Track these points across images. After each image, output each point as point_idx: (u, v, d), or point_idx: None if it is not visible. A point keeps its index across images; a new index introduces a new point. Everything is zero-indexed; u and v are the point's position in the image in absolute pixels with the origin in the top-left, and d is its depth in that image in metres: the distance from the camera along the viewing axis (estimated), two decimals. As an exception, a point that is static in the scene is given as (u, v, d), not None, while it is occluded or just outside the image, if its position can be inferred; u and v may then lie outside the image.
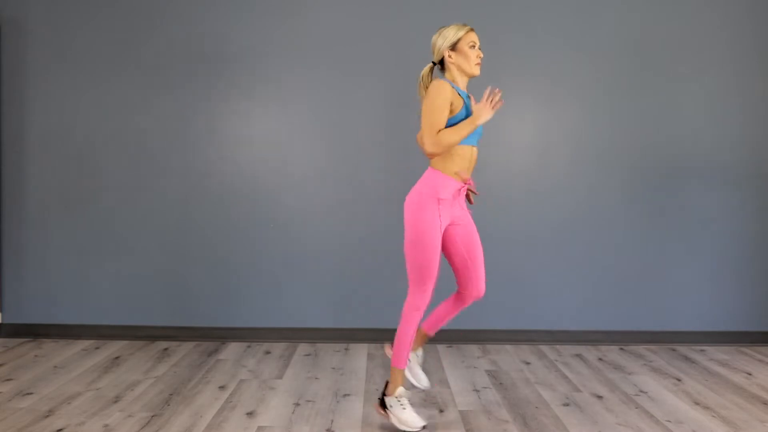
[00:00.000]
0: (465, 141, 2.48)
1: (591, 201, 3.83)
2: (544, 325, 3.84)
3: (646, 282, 3.84)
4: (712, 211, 3.83)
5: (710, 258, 3.84)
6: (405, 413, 2.49)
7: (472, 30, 2.51)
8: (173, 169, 3.84)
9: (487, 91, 2.48)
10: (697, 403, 2.84)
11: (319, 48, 3.81)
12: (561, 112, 3.83)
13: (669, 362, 3.48)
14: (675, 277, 3.84)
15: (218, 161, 3.83)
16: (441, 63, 2.56)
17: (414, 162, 3.73)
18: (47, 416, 2.61)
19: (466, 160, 2.51)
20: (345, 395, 2.91)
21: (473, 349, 3.71)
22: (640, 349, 3.75)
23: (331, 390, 2.98)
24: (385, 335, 3.81)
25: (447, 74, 2.56)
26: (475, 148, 2.54)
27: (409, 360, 2.68)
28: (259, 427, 2.53)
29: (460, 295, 2.66)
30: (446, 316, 2.68)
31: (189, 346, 3.73)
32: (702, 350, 3.73)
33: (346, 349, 3.70)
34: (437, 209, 2.46)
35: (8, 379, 3.08)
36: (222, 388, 3.00)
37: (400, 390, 2.53)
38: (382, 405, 2.55)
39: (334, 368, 3.33)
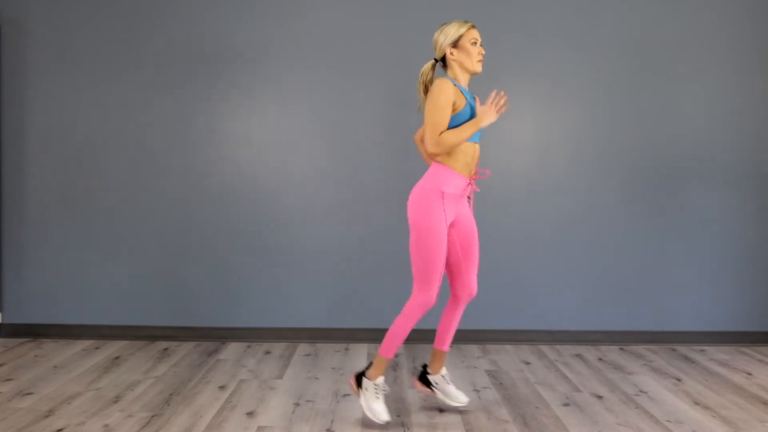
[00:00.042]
0: (468, 138, 2.48)
1: (591, 201, 3.83)
2: (544, 325, 3.84)
3: (646, 282, 3.84)
4: (712, 211, 3.83)
5: (710, 258, 3.84)
6: (377, 403, 2.53)
7: (473, 27, 2.51)
8: (173, 169, 3.84)
9: (493, 94, 2.48)
10: (697, 403, 2.84)
11: (319, 48, 3.81)
12: (561, 112, 3.83)
13: (669, 362, 3.48)
14: (675, 277, 3.84)
15: (218, 161, 3.83)
16: (443, 60, 2.56)
17: (414, 162, 3.73)
18: (47, 416, 2.61)
19: (468, 156, 2.51)
20: (345, 395, 2.91)
21: (473, 349, 3.71)
22: (640, 349, 3.75)
23: (331, 390, 2.98)
24: (384, 335, 3.81)
25: (449, 72, 2.56)
26: (477, 145, 2.54)
27: (436, 384, 2.68)
28: (259, 427, 2.53)
29: (453, 298, 2.67)
30: (450, 325, 2.68)
31: (189, 346, 3.73)
32: (702, 350, 3.73)
33: (346, 349, 3.70)
34: (441, 203, 2.46)
35: (8, 379, 3.08)
36: (222, 388, 3.00)
37: (381, 379, 2.56)
38: (358, 382, 2.59)
39: (334, 368, 3.33)
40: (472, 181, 2.56)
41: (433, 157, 2.50)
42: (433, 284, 2.47)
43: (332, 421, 2.61)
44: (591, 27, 3.81)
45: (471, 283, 2.64)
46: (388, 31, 3.80)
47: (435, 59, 2.58)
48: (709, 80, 3.83)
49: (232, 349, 3.68)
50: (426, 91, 2.61)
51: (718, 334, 3.84)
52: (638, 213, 3.83)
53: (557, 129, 3.83)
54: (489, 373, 3.26)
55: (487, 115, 2.45)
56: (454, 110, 2.45)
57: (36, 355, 3.50)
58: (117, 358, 3.48)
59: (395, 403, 2.82)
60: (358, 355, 3.58)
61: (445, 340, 2.69)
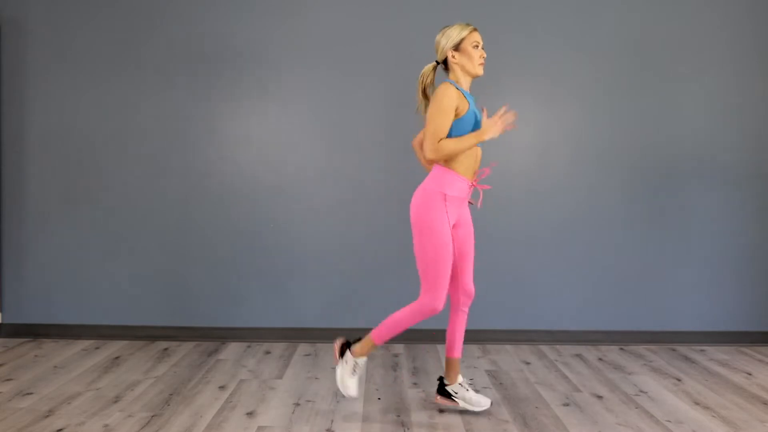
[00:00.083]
0: None
1: (591, 201, 3.83)
2: (544, 325, 3.84)
3: (646, 282, 3.84)
4: (712, 211, 3.83)
5: (710, 258, 3.84)
6: (351, 379, 2.59)
7: (475, 30, 2.51)
8: (173, 169, 3.84)
9: (503, 110, 2.48)
10: (697, 403, 2.84)
11: (319, 48, 3.81)
12: (561, 112, 3.83)
13: (669, 362, 3.48)
14: (675, 277, 3.84)
15: (218, 161, 3.83)
16: (444, 63, 2.56)
17: (414, 162, 3.73)
18: (47, 416, 2.61)
19: (471, 159, 2.51)
20: (345, 395, 2.91)
21: (473, 349, 3.71)
22: (640, 349, 3.75)
23: (331, 390, 2.98)
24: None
25: (451, 75, 2.55)
26: (479, 149, 2.54)
27: (456, 393, 2.67)
28: (259, 427, 2.53)
29: (453, 303, 2.67)
30: (456, 332, 2.67)
31: (189, 346, 3.73)
32: (702, 350, 3.73)
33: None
34: (444, 205, 2.46)
35: (8, 379, 3.08)
36: (222, 388, 3.00)
37: (363, 360, 2.60)
38: (342, 351, 2.62)
39: (334, 368, 3.33)
40: (474, 183, 2.56)
41: (430, 162, 2.49)
42: (439, 288, 2.45)
43: (332, 421, 2.61)
44: (591, 27, 3.81)
45: (467, 284, 2.65)
46: (388, 31, 3.80)
47: (436, 61, 2.58)
48: (709, 80, 3.83)
49: (232, 349, 3.68)
50: (425, 93, 2.61)
51: (718, 334, 3.84)
52: (638, 213, 3.83)
53: (557, 129, 3.83)
54: (489, 373, 3.27)
55: (491, 129, 2.44)
56: (456, 115, 2.44)
57: (36, 355, 3.50)
58: (117, 358, 3.48)
59: (395, 403, 2.82)
60: (358, 355, 3.58)
61: (454, 348, 2.67)
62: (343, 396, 2.55)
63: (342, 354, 2.63)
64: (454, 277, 2.63)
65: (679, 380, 3.17)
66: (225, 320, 3.85)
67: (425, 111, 2.62)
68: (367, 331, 3.81)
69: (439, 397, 2.70)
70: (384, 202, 3.80)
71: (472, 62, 2.50)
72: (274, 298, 3.84)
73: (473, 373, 3.25)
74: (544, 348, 3.75)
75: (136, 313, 3.85)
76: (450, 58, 2.52)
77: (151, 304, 3.85)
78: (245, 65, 3.81)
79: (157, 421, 2.59)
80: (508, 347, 3.76)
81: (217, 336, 3.84)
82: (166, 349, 3.67)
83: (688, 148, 3.83)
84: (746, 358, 3.58)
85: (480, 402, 2.65)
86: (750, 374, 3.28)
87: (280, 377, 3.17)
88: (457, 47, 2.50)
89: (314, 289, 3.84)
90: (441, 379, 2.72)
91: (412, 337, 3.81)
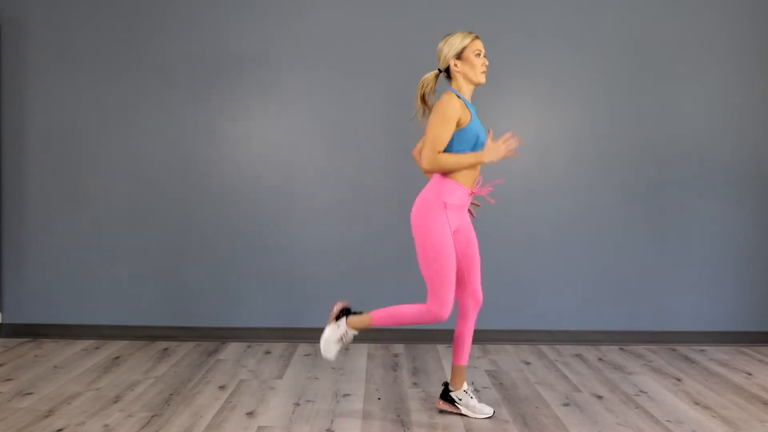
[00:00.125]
0: (470, 151, 2.47)
1: (591, 201, 3.83)
2: (544, 325, 3.84)
3: (646, 282, 3.84)
4: (712, 211, 3.83)
5: (710, 258, 3.84)
6: (335, 345, 2.59)
7: (477, 38, 2.51)
8: (173, 169, 3.84)
9: (508, 135, 2.47)
10: (697, 403, 2.84)
11: (319, 48, 3.81)
12: (561, 112, 3.83)
13: (669, 362, 3.48)
14: (675, 277, 3.84)
15: (218, 161, 3.83)
16: (447, 71, 2.56)
17: (414, 162, 3.73)
18: (47, 416, 2.61)
19: (471, 167, 2.50)
20: (345, 395, 2.91)
21: (473, 349, 3.71)
22: (640, 349, 3.75)
23: (331, 390, 2.98)
24: (385, 335, 3.81)
25: (453, 83, 2.54)
26: None
27: (459, 399, 2.66)
28: (259, 427, 2.53)
29: (461, 310, 2.65)
30: (463, 339, 2.66)
31: (189, 346, 3.73)
32: (702, 350, 3.73)
33: (346, 349, 3.70)
34: (444, 213, 2.45)
35: (8, 379, 3.08)
36: (222, 388, 3.00)
37: (353, 333, 2.59)
38: (338, 316, 2.62)
39: (334, 368, 3.33)
40: (475, 191, 2.56)
41: (425, 173, 2.48)
42: (444, 295, 2.43)
43: (332, 421, 2.61)
44: (591, 27, 3.81)
45: (476, 290, 2.63)
46: (388, 31, 3.80)
47: (439, 69, 2.57)
48: (709, 80, 3.83)
49: (232, 349, 3.68)
50: (423, 99, 2.60)
51: (718, 334, 3.84)
52: (638, 213, 3.83)
53: (557, 129, 3.83)
54: (489, 373, 3.26)
55: (492, 153, 2.43)
56: (459, 125, 2.44)
57: (36, 355, 3.50)
58: (117, 358, 3.48)
59: (395, 403, 2.82)
60: (358, 355, 3.58)
61: (461, 355, 2.66)
62: (323, 355, 2.58)
63: (338, 318, 2.62)
64: (462, 283, 2.62)
65: (679, 380, 3.17)
66: (225, 320, 3.85)
67: (422, 116, 2.62)
68: (367, 331, 3.81)
69: (441, 401, 2.70)
70: (384, 202, 3.80)
71: (474, 70, 2.50)
72: (274, 298, 3.84)
73: (473, 372, 3.25)
74: (544, 348, 3.75)
75: (136, 313, 3.85)
76: (452, 67, 2.51)
77: (151, 304, 3.85)
78: (245, 65, 3.81)
79: (157, 421, 2.59)
80: (508, 347, 3.76)
81: (217, 336, 3.84)
82: (166, 349, 3.67)
83: (688, 148, 3.83)
84: (746, 358, 3.58)
85: (483, 410, 2.64)
86: (750, 374, 3.28)
87: (280, 377, 3.17)
88: (459, 55, 2.49)
89: (314, 289, 3.84)
90: (446, 384, 2.72)
91: (412, 337, 3.81)
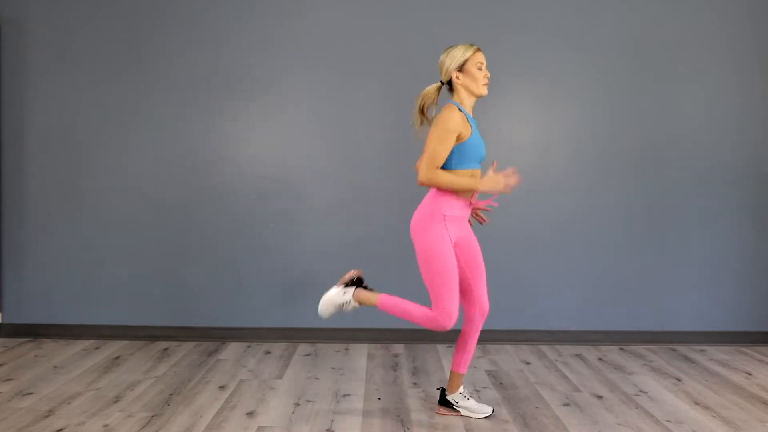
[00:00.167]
0: (469, 165, 2.48)
1: (591, 201, 3.83)
2: (544, 325, 3.84)
3: (646, 282, 3.84)
4: (712, 211, 3.83)
5: (710, 258, 3.84)
6: (334, 309, 2.62)
7: (479, 50, 2.50)
8: (173, 169, 3.84)
9: (511, 170, 2.45)
10: (697, 403, 2.84)
11: (319, 48, 3.81)
12: (561, 112, 3.83)
13: (669, 362, 3.48)
14: (675, 277, 3.84)
15: (218, 161, 3.83)
16: (449, 83, 2.55)
17: (414, 162, 3.73)
18: (47, 416, 2.61)
19: (466, 191, 2.50)
20: (345, 395, 2.91)
21: (473, 349, 3.71)
22: (640, 349, 3.75)
23: (331, 390, 2.98)
24: (385, 335, 3.81)
25: (455, 96, 2.54)
26: (479, 171, 2.53)
27: (456, 402, 2.66)
28: (259, 427, 2.53)
29: (467, 319, 2.64)
30: (466, 347, 2.65)
31: (189, 346, 3.73)
32: (702, 350, 3.73)
33: (346, 349, 3.70)
34: (444, 225, 2.45)
35: (8, 379, 3.09)
36: (222, 388, 3.00)
37: (355, 305, 2.61)
38: (348, 284, 2.64)
39: (334, 368, 3.33)
40: (473, 203, 2.56)
41: (421, 183, 2.46)
42: (448, 307, 2.42)
43: (332, 421, 2.61)
44: (591, 27, 3.81)
45: (482, 301, 2.62)
46: (388, 31, 3.80)
47: (441, 82, 2.57)
48: (709, 80, 3.83)
49: (232, 349, 3.68)
50: (422, 110, 2.59)
51: (718, 334, 3.84)
52: (638, 213, 3.83)
53: (557, 129, 3.83)
54: (489, 373, 3.26)
55: (490, 184, 2.42)
56: (459, 139, 2.43)
57: (36, 355, 3.50)
58: (117, 358, 3.48)
59: (395, 403, 2.82)
60: (358, 355, 3.58)
61: (460, 363, 2.66)
62: (319, 311, 2.61)
63: (347, 285, 2.63)
64: (468, 293, 2.61)
65: (679, 380, 3.17)
66: (225, 320, 3.85)
67: (419, 126, 2.62)
68: (367, 331, 3.82)
69: (441, 407, 2.69)
70: (384, 202, 3.80)
71: (476, 83, 2.49)
72: (274, 298, 3.84)
73: (473, 372, 3.25)
74: (544, 348, 3.75)
75: (136, 313, 3.85)
76: (454, 79, 2.51)
77: (151, 304, 3.85)
78: (245, 65, 3.81)
79: (157, 421, 2.59)
80: (508, 347, 3.76)
81: (217, 336, 3.84)
82: (166, 349, 3.67)
83: (688, 148, 3.83)
84: (746, 358, 3.58)
85: (482, 409, 2.65)
86: (750, 374, 3.28)
87: (280, 377, 3.17)
88: (461, 68, 2.49)
89: (314, 289, 3.83)
90: (442, 390, 2.72)
91: (412, 337, 3.81)
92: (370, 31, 3.80)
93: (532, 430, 2.52)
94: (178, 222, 3.84)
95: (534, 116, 3.82)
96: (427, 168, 2.41)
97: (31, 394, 2.88)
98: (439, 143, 2.40)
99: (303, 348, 3.71)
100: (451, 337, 3.81)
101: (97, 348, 3.66)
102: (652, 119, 3.82)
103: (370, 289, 2.62)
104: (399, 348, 3.73)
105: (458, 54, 2.49)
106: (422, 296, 2.60)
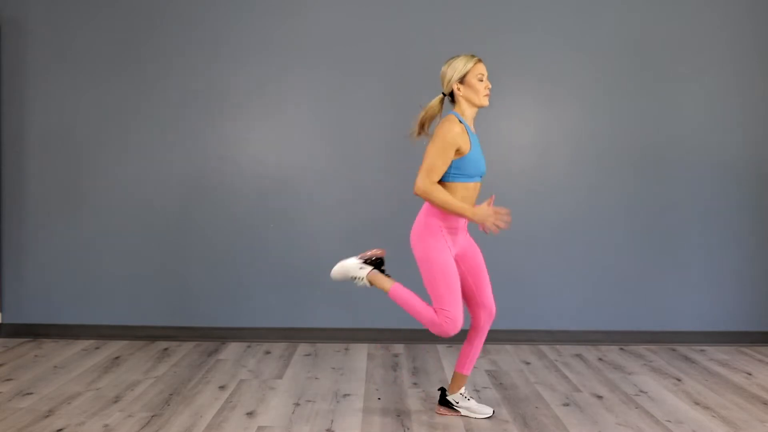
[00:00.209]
0: (470, 178, 2.48)
1: (591, 201, 3.83)
2: (544, 325, 3.84)
3: (646, 282, 3.84)
4: (712, 211, 3.83)
5: (710, 258, 3.84)
6: (345, 277, 2.64)
7: (480, 61, 2.51)
8: (173, 169, 3.84)
9: (504, 210, 2.44)
10: (697, 403, 2.84)
11: (319, 48, 3.81)
12: (561, 112, 3.83)
13: (669, 362, 3.48)
14: (675, 277, 3.84)
15: (218, 161, 3.83)
16: (450, 94, 2.55)
17: (414, 162, 3.72)
18: (47, 416, 2.61)
19: (469, 190, 2.50)
20: (345, 395, 2.91)
21: (473, 349, 3.71)
22: (640, 349, 3.75)
23: (331, 390, 2.98)
24: (385, 335, 3.81)
25: (456, 106, 2.54)
26: (479, 184, 2.53)
27: (457, 402, 2.65)
28: (259, 427, 2.53)
29: (474, 323, 2.64)
30: (472, 350, 2.65)
31: (189, 346, 3.73)
32: (702, 350, 3.73)
33: (346, 349, 3.70)
34: (443, 235, 2.46)
35: (8, 379, 3.08)
36: (222, 388, 3.00)
37: (365, 284, 2.60)
38: (368, 261, 2.63)
39: (334, 368, 3.33)
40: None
41: (417, 194, 2.45)
42: (452, 314, 2.42)
43: (332, 421, 2.61)
44: (591, 27, 3.81)
45: (488, 305, 2.62)
46: (388, 31, 3.80)
47: (443, 93, 2.57)
48: (709, 80, 3.83)
49: (232, 349, 3.68)
50: (423, 125, 2.59)
51: (718, 334, 3.84)
52: (638, 213, 3.83)
53: (557, 129, 3.83)
54: (489, 373, 3.26)
55: (482, 217, 2.41)
56: (459, 153, 2.44)
57: (36, 355, 3.50)
58: (117, 358, 3.48)
59: (395, 403, 2.82)
60: (358, 355, 3.58)
61: (466, 365, 2.66)
62: (331, 272, 2.65)
63: (366, 262, 2.62)
64: (474, 297, 2.61)
65: (679, 380, 3.17)
66: (225, 320, 3.85)
67: (417, 137, 2.62)
68: (367, 331, 3.81)
69: (441, 408, 2.69)
70: (384, 202, 3.80)
71: (477, 95, 2.50)
72: (274, 298, 3.84)
73: (473, 372, 3.25)
74: (544, 348, 3.75)
75: (136, 313, 3.85)
76: (455, 91, 2.51)
77: (151, 304, 3.85)
78: (245, 65, 3.81)
79: (157, 421, 2.59)
80: (508, 347, 3.76)
81: (217, 336, 3.84)
82: (166, 349, 3.66)
83: (688, 148, 3.83)
84: (746, 358, 3.58)
85: (482, 410, 2.64)
86: (750, 374, 3.28)
87: (280, 377, 3.17)
88: (462, 80, 2.49)
89: (314, 289, 3.84)
90: (442, 390, 2.72)
91: (412, 337, 3.81)
92: (370, 31, 3.80)
93: (532, 430, 2.52)
94: (178, 222, 3.84)
95: (534, 116, 3.82)
96: (423, 181, 2.41)
97: (31, 394, 2.88)
98: (438, 156, 2.40)
99: (303, 348, 3.71)
100: (452, 338, 3.80)
101: (97, 348, 3.66)
102: (652, 119, 3.82)
103: (387, 275, 2.61)
104: (399, 348, 3.73)
105: (459, 65, 2.49)
106: (422, 297, 2.60)
